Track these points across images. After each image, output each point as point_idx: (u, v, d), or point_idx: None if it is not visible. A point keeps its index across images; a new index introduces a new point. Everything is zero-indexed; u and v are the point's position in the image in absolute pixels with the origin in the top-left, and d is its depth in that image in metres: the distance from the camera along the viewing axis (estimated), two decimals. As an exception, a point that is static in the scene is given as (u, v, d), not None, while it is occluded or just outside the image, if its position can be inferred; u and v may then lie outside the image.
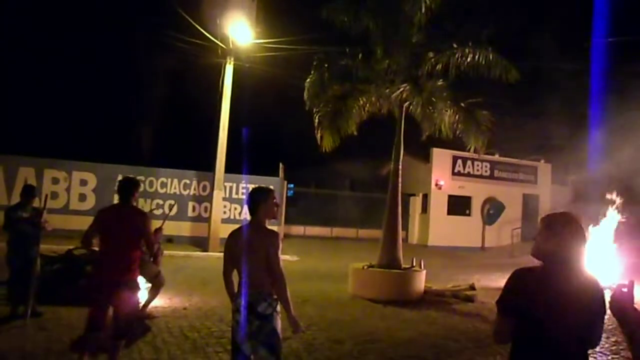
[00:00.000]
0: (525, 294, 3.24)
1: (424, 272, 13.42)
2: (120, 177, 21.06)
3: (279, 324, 4.91)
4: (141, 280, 8.87)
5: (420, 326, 10.09)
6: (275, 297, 4.92)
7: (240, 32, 20.85)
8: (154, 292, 9.08)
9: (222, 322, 9.19)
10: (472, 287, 13.89)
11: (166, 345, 7.78)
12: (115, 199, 19.70)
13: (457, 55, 13.19)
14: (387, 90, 13.48)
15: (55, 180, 21.76)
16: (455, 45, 13.22)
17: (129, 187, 6.48)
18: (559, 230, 3.32)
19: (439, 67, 13.52)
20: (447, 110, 13.54)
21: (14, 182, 20.12)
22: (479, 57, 13.09)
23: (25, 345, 7.32)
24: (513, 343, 3.32)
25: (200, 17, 20.36)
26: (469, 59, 13.14)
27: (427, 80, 13.61)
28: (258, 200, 5.04)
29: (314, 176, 33.56)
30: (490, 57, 13.13)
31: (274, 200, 5.10)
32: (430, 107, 13.38)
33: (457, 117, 13.58)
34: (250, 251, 4.93)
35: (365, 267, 13.38)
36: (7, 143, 23.31)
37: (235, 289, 5.04)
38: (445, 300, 12.94)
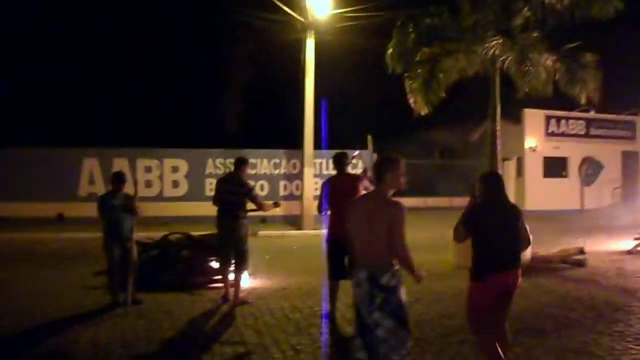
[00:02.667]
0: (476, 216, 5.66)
1: (531, 237, 12.69)
2: (210, 162, 21.55)
3: (404, 294, 4.80)
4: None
5: (533, 295, 9.47)
6: (397, 267, 4.77)
7: (319, 3, 20.40)
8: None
9: (324, 302, 8.86)
10: (582, 251, 13.10)
11: (268, 328, 7.54)
12: (207, 183, 19.97)
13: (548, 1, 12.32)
14: (478, 48, 12.77)
15: (148, 169, 22.16)
16: None
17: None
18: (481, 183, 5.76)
19: (531, 16, 12.68)
20: (545, 63, 12.68)
21: (109, 173, 20.49)
22: None
23: (127, 334, 7.25)
24: (473, 246, 5.62)
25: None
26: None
27: (521, 33, 12.80)
28: (385, 169, 4.87)
29: (401, 147, 32.94)
30: None
31: (402, 170, 4.89)
32: (527, 61, 12.54)
33: (557, 67, 12.71)
34: (370, 222, 4.76)
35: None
36: (100, 136, 23.92)
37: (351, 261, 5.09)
38: (555, 267, 12.18)
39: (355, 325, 4.87)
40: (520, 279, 5.59)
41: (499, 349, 5.50)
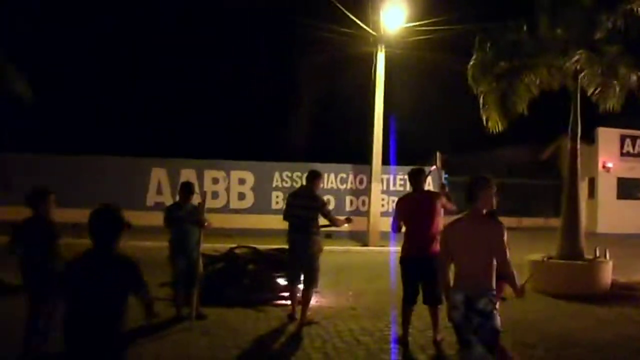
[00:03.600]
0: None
1: (611, 263, 12.11)
2: (277, 175, 21.56)
3: (499, 321, 4.80)
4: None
5: (617, 326, 8.87)
6: (494, 292, 4.83)
7: (391, 16, 20.15)
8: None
9: (395, 324, 8.43)
10: (667, 278, 12.51)
11: (337, 351, 7.17)
12: (274, 196, 19.94)
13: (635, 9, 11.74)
14: (560, 62, 12.24)
15: (215, 181, 22.21)
16: None
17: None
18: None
19: (613, 28, 12.05)
20: (628, 77, 12.08)
21: (177, 184, 20.69)
22: None
23: (190, 351, 7.04)
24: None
25: (349, 6, 19.92)
26: None
27: (605, 46, 12.24)
28: (479, 189, 4.97)
29: (468, 164, 32.31)
30: None
31: (494, 190, 5.01)
32: (610, 76, 11.94)
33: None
34: (471, 243, 4.87)
35: (546, 258, 12.12)
36: (169, 147, 24.19)
37: (450, 283, 5.01)
38: (637, 295, 11.47)
39: (461, 347, 4.93)
40: None
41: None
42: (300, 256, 8.51)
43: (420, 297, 7.50)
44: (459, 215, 5.18)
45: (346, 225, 9.48)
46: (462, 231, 4.93)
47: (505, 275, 4.89)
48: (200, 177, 21.82)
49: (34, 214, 6.69)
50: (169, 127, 32.42)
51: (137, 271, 4.24)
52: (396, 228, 7.71)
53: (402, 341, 7.50)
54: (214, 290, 9.53)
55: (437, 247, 6.50)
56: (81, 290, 4.03)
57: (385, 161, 21.34)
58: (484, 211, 4.99)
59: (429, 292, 7.26)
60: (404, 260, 7.50)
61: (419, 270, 7.11)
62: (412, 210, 7.52)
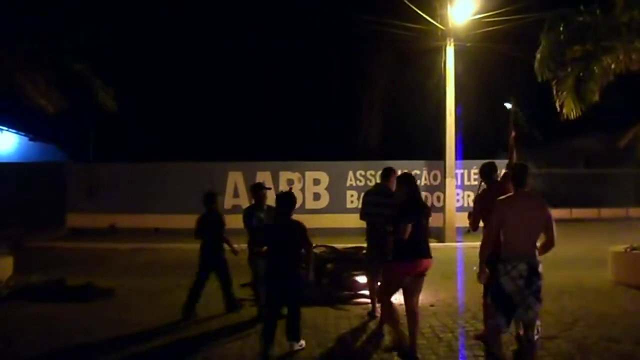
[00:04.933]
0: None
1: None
2: (350, 174, 21.70)
3: None
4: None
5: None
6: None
7: (459, 9, 19.97)
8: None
9: (476, 320, 8.41)
10: None
11: (419, 348, 7.04)
12: (348, 195, 20.05)
13: None
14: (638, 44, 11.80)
15: (290, 182, 22.45)
16: None
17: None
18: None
19: None
20: None
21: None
22: None
23: (273, 350, 7.02)
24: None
25: (416, 1, 19.80)
26: None
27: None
28: (526, 175, 6.01)
29: (545, 155, 31.71)
30: None
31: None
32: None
33: None
34: (529, 219, 5.87)
35: (629, 249, 11.62)
36: (245, 150, 24.66)
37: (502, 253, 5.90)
38: None
39: (504, 311, 5.82)
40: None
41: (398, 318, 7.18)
42: (377, 254, 8.36)
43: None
44: (509, 194, 6.12)
45: None
46: (522, 208, 5.86)
47: (550, 249, 5.98)
48: (275, 179, 22.13)
49: (207, 210, 9.46)
50: (245, 130, 32.97)
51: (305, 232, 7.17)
52: (475, 226, 7.55)
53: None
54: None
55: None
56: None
57: (458, 155, 21.12)
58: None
59: None
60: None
61: None
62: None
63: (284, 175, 22.64)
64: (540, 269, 5.79)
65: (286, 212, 7.33)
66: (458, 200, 21.84)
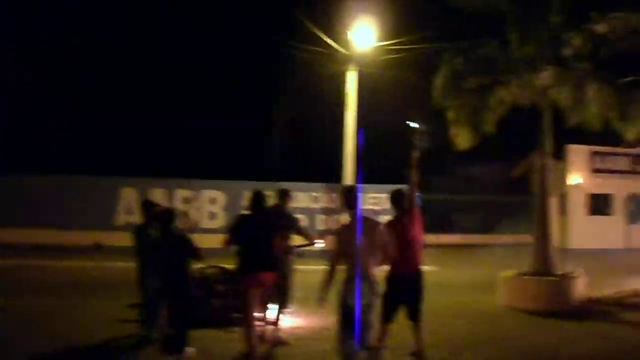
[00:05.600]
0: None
1: (582, 278, 12.14)
2: (247, 194, 21.50)
3: None
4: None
5: (590, 342, 8.92)
6: None
7: (361, 35, 20.18)
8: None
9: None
10: (637, 293, 12.54)
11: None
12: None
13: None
14: (530, 78, 12.23)
15: (186, 200, 21.97)
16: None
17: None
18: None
19: (582, 46, 12.19)
20: (598, 94, 12.11)
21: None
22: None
23: None
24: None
25: (320, 26, 19.92)
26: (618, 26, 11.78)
27: (574, 62, 12.30)
28: (355, 197, 6.43)
29: (440, 183, 32.45)
30: None
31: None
32: (580, 92, 11.92)
33: (610, 102, 12.06)
34: (366, 240, 6.19)
35: (517, 275, 12.15)
36: (138, 166, 23.97)
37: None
38: (609, 310, 11.55)
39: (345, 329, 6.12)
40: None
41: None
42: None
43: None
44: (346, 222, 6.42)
45: (321, 242, 9.39)
46: (361, 230, 6.16)
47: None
48: (170, 197, 21.61)
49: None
50: (137, 146, 32.01)
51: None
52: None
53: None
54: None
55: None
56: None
57: (361, 180, 21.24)
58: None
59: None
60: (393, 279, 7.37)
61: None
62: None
63: (180, 193, 22.14)
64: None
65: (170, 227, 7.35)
66: (355, 224, 21.90)
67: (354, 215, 6.29)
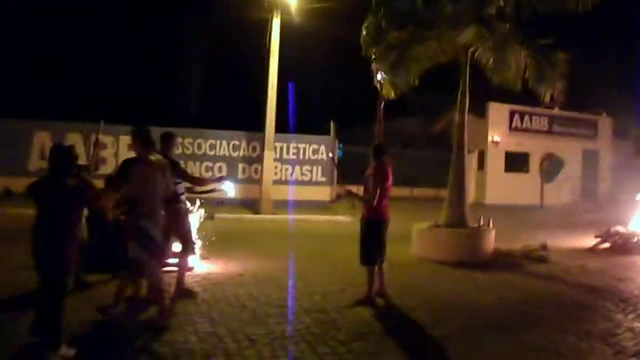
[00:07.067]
0: None
1: (494, 231, 12.48)
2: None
3: None
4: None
5: (497, 291, 9.23)
6: None
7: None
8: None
9: (281, 290, 8.54)
10: (544, 247, 12.98)
11: (223, 316, 7.08)
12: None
13: None
14: (451, 35, 12.31)
15: (103, 146, 21.32)
16: None
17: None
18: None
19: (505, 6, 12.25)
20: (518, 55, 12.28)
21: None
22: None
23: (71, 320, 6.41)
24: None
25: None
26: None
27: (497, 22, 12.37)
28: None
29: (364, 135, 32.62)
30: None
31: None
32: (501, 52, 12.09)
33: (528, 63, 12.29)
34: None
35: (431, 227, 12.45)
36: (52, 109, 23.07)
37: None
38: (517, 262, 11.98)
39: None
40: None
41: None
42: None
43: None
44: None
45: (222, 187, 8.92)
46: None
47: None
48: (87, 142, 20.90)
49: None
50: (52, 89, 30.85)
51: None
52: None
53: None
54: (99, 257, 8.99)
55: None
56: None
57: (278, 129, 21.09)
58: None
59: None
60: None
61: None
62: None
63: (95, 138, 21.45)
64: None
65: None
66: (276, 173, 21.86)
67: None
